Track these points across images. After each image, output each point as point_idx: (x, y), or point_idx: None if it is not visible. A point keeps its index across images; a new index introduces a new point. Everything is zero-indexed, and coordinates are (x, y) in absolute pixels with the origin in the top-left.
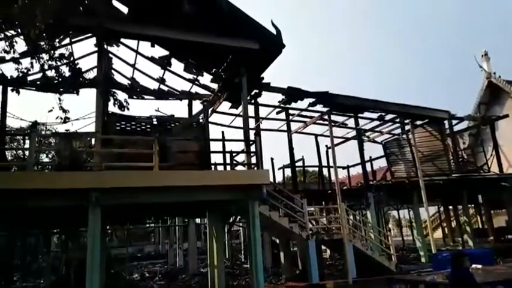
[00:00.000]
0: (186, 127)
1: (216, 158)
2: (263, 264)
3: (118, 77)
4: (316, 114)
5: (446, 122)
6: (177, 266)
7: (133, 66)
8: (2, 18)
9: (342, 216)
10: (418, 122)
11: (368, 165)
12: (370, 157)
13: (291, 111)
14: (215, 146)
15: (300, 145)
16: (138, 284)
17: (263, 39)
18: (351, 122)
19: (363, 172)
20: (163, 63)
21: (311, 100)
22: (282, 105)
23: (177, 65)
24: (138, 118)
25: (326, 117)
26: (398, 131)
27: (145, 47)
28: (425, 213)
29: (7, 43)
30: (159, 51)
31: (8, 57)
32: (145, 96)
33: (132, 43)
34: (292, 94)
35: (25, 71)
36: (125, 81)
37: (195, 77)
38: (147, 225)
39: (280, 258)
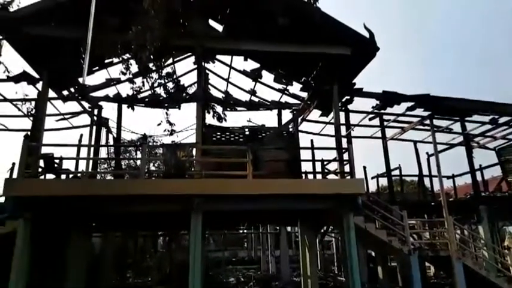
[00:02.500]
0: (276, 136)
1: (306, 167)
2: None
3: (213, 91)
4: (415, 119)
5: None
6: (269, 272)
7: (227, 80)
8: (120, 44)
9: (450, 231)
10: None
11: (478, 174)
12: (480, 165)
13: (385, 117)
14: (305, 154)
15: (396, 153)
16: (235, 287)
17: (355, 43)
18: (456, 127)
19: (473, 182)
20: (254, 75)
21: (409, 104)
22: (376, 110)
23: (267, 76)
24: (232, 129)
25: (427, 121)
26: None
27: (237, 61)
28: None
29: (124, 66)
30: (251, 65)
31: (123, 78)
32: (238, 108)
33: (226, 58)
34: (388, 98)
35: (138, 89)
36: (220, 95)
37: (285, 86)
38: (241, 231)
39: (377, 273)
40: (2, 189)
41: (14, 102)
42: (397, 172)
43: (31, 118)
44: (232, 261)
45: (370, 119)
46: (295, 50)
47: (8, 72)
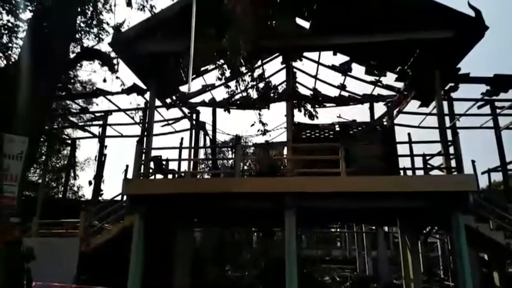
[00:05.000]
0: (369, 131)
1: (404, 163)
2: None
3: (302, 89)
4: None
5: None
6: (366, 273)
7: (314, 77)
8: (216, 51)
9: None
10: None
11: None
12: None
13: (498, 104)
14: (403, 149)
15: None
16: (331, 287)
17: (458, 25)
18: None
19: None
20: (343, 69)
21: None
22: (486, 97)
23: (357, 69)
24: (322, 125)
25: None
26: None
27: (325, 56)
28: None
29: (219, 72)
30: (339, 59)
31: (218, 83)
32: (327, 104)
33: (313, 55)
34: (500, 83)
35: (232, 93)
36: (308, 92)
37: (377, 78)
38: (333, 229)
39: (492, 279)
40: (121, 188)
41: (127, 112)
42: None
43: (140, 125)
44: (326, 259)
45: (478, 107)
46: (389, 39)
47: (124, 85)
